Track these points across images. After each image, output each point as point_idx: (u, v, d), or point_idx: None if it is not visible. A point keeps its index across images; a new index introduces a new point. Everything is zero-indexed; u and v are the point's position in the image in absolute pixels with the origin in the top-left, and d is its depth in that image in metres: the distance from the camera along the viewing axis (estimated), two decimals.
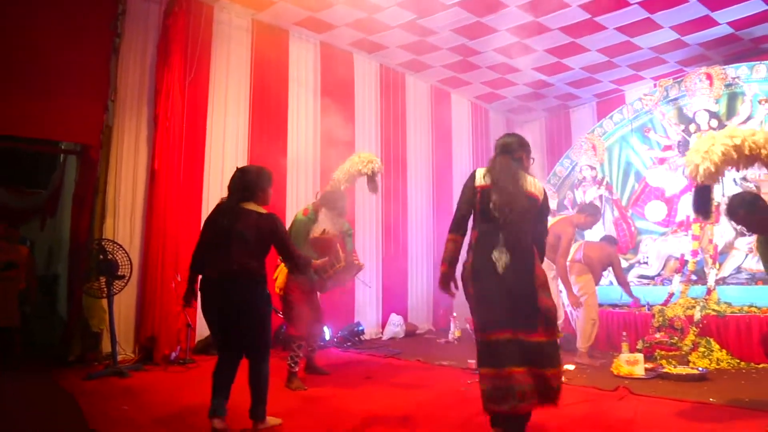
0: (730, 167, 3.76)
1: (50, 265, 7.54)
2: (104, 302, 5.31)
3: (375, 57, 8.56)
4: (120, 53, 6.09)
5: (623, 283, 6.28)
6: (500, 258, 2.83)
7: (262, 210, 3.44)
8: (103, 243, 5.27)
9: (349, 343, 7.26)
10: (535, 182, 3.09)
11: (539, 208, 3.06)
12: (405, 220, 8.93)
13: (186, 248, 6.16)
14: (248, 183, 3.44)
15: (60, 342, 5.95)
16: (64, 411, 3.87)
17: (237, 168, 3.60)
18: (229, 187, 3.49)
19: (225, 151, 6.84)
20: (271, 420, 3.40)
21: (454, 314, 8.01)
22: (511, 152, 3.14)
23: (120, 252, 5.25)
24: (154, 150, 6.08)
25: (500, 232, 2.87)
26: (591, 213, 6.19)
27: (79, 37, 5.78)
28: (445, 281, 3.04)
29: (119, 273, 5.19)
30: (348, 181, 5.63)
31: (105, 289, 5.16)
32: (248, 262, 3.31)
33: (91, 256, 5.30)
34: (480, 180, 3.03)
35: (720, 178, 3.79)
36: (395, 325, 8.12)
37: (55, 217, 7.91)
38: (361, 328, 7.67)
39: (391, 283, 8.55)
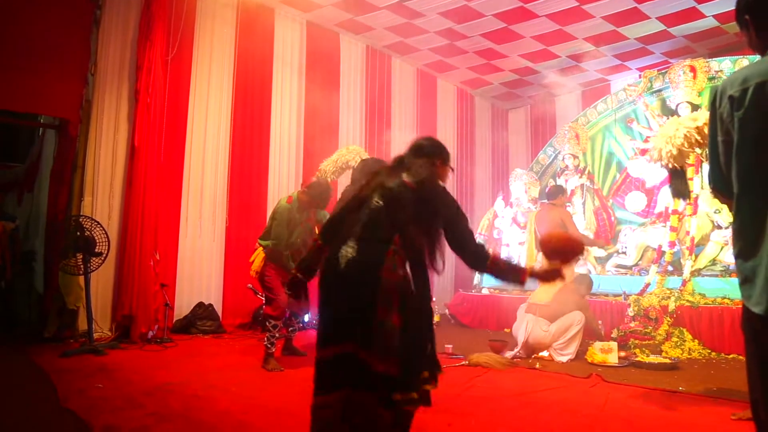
0: (694, 149, 3.82)
1: (27, 240, 7.43)
2: (81, 279, 5.26)
3: (361, 38, 8.49)
4: (101, 26, 5.97)
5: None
6: (345, 252, 2.28)
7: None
8: (80, 219, 5.20)
9: None
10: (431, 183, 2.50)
11: (428, 210, 2.41)
12: None
13: (165, 226, 6.14)
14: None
15: (36, 319, 5.89)
16: (38, 388, 3.84)
17: (361, 160, 3.87)
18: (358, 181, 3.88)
19: (207, 129, 6.78)
20: None
21: (434, 299, 8.05)
22: (424, 155, 2.62)
23: (98, 229, 5.18)
24: (134, 126, 5.98)
25: (357, 225, 2.37)
26: (563, 192, 7.02)
27: (58, 7, 5.65)
28: (292, 287, 2.60)
29: (96, 250, 5.13)
30: (335, 173, 5.62)
31: (82, 266, 5.10)
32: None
33: (68, 232, 5.23)
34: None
35: (686, 159, 3.85)
36: None
37: (32, 192, 7.78)
38: None
39: None
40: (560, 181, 8.61)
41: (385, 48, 8.85)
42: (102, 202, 5.89)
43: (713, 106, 1.77)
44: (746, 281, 1.65)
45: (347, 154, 5.64)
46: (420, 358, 2.29)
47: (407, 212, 2.35)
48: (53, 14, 5.58)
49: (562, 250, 2.67)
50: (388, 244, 2.28)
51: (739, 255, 1.69)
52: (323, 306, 2.35)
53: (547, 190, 7.59)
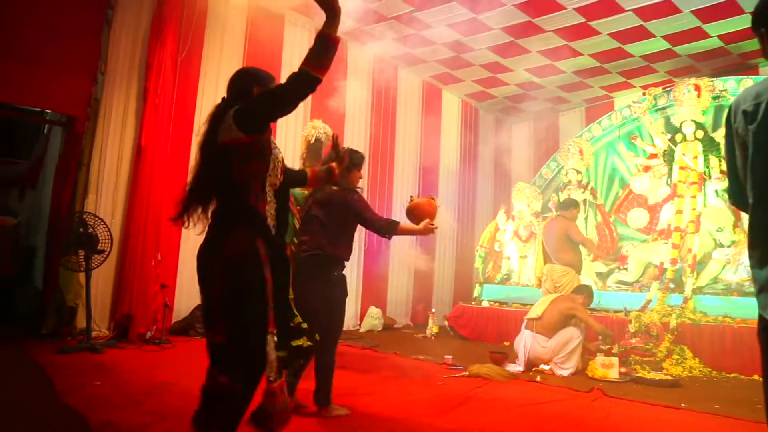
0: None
1: (29, 236, 7.40)
2: (81, 277, 5.23)
3: (368, 48, 8.52)
4: (112, 26, 5.98)
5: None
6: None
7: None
8: (84, 216, 5.18)
9: None
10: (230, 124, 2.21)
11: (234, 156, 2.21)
12: (390, 213, 8.93)
13: (168, 227, 6.10)
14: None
15: (34, 314, 5.86)
16: (35, 384, 3.80)
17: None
18: None
19: None
20: (338, 409, 3.45)
21: (433, 310, 8.04)
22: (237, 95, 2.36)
23: (101, 226, 5.17)
24: (141, 126, 5.99)
25: None
26: (576, 206, 6.95)
27: (70, 5, 5.68)
28: None
29: (99, 247, 5.11)
30: (310, 158, 5.33)
31: (83, 263, 5.07)
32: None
33: (71, 228, 5.21)
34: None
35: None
36: (373, 318, 8.12)
37: (36, 188, 7.77)
38: None
39: (372, 275, 8.54)
40: (563, 196, 8.61)
41: (392, 58, 8.88)
42: (106, 200, 5.87)
43: (728, 122, 1.79)
44: (762, 290, 1.64)
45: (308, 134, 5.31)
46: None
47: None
48: (65, 11, 5.60)
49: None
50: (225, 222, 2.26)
51: (755, 265, 1.69)
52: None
53: (562, 200, 7.60)
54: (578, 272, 6.54)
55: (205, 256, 2.22)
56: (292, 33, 7.64)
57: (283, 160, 2.40)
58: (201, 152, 2.31)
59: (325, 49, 2.19)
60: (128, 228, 5.84)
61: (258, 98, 2.25)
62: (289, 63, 7.59)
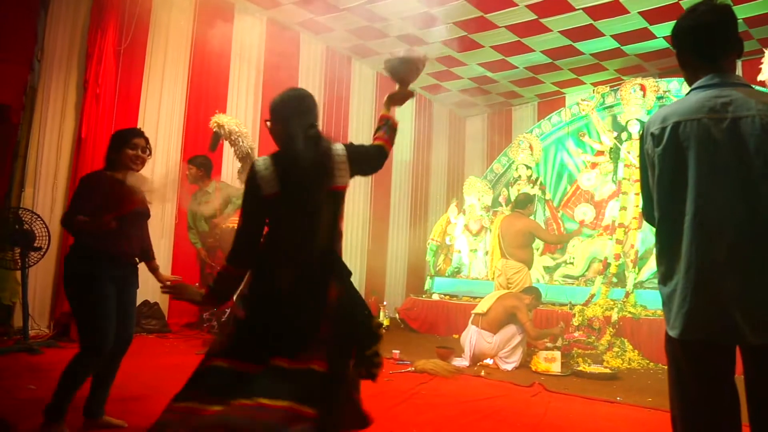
0: None
1: None
2: (18, 274, 5.04)
3: (322, 38, 8.43)
4: (50, 10, 5.72)
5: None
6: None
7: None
8: (19, 212, 4.99)
9: None
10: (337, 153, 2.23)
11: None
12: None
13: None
14: None
15: None
16: None
17: None
18: None
19: (159, 123, 6.59)
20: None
21: (384, 303, 8.08)
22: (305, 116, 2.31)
23: (38, 222, 4.98)
24: (82, 116, 5.78)
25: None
26: (531, 201, 7.01)
27: None
28: None
29: (36, 244, 4.93)
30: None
31: (19, 260, 4.89)
32: None
33: (6, 225, 5.01)
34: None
35: None
36: None
37: None
38: None
39: None
40: (513, 190, 8.75)
41: (346, 49, 8.81)
42: (44, 194, 5.66)
43: (641, 143, 1.88)
44: (665, 305, 1.76)
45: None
46: None
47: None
48: None
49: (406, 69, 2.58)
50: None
51: (660, 280, 1.79)
52: None
53: (517, 197, 7.62)
54: (530, 269, 6.64)
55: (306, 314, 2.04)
56: (242, 22, 7.46)
57: None
58: (309, 197, 2.11)
59: (396, 133, 2.60)
60: None
61: (368, 149, 2.41)
62: (239, 53, 7.44)
